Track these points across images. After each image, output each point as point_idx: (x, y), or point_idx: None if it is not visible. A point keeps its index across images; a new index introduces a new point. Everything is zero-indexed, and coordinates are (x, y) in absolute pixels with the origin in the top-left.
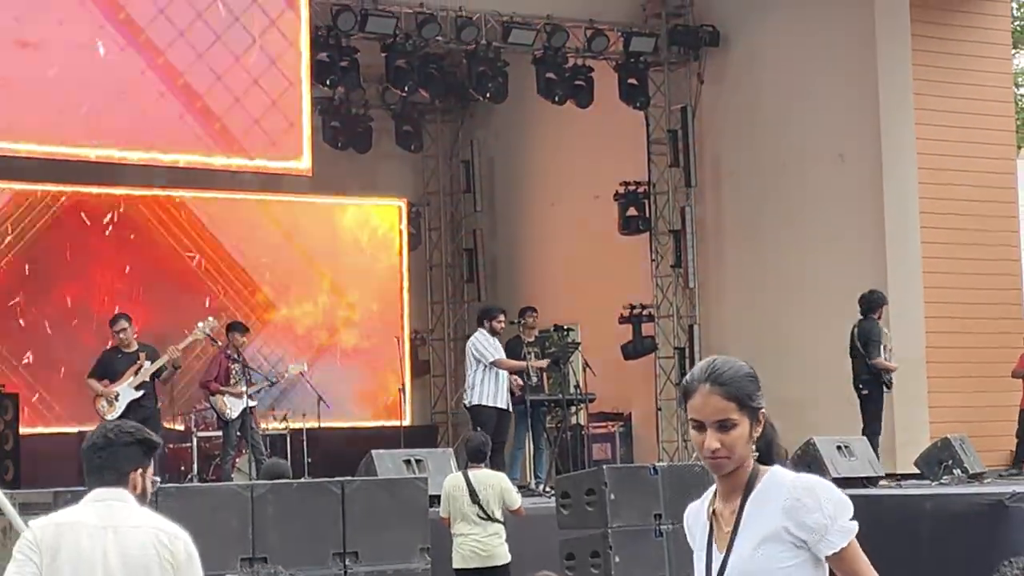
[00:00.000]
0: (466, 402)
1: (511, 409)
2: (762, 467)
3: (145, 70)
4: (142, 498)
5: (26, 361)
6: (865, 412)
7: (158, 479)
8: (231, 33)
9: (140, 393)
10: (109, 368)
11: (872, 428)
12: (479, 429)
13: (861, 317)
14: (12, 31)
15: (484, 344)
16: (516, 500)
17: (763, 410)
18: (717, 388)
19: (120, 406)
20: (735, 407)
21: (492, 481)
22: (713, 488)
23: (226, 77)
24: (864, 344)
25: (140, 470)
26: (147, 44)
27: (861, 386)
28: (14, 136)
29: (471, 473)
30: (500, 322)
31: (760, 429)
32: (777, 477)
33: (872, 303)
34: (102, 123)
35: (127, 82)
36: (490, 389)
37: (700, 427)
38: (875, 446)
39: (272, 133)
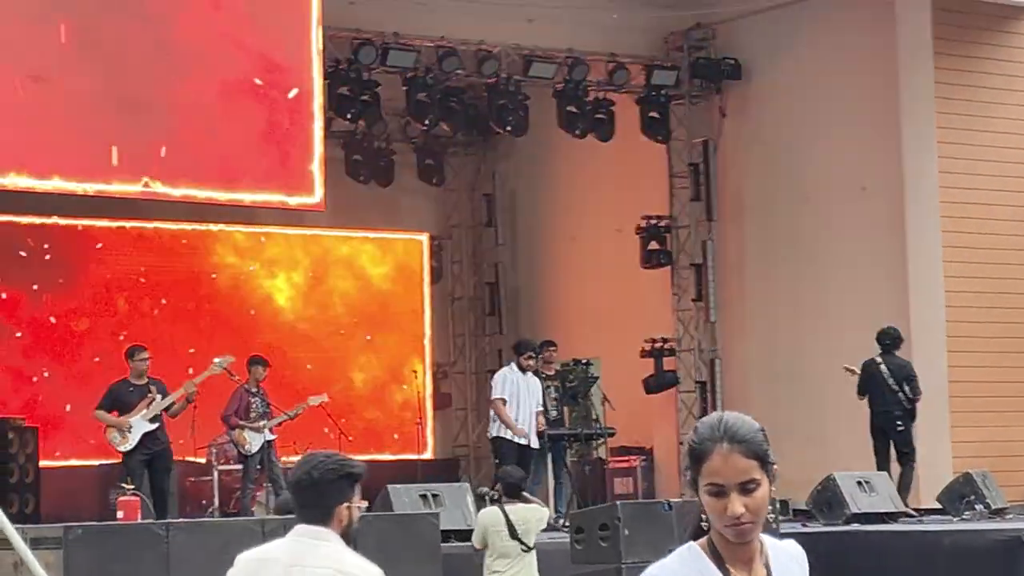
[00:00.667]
0: (489, 433)
1: (533, 445)
2: None
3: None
4: (348, 529)
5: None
6: (904, 445)
7: (365, 503)
8: (244, 66)
9: (155, 426)
10: (119, 400)
11: (912, 459)
12: (498, 461)
13: (885, 353)
14: (23, 65)
15: (501, 379)
16: (545, 518)
17: (776, 466)
18: (737, 446)
19: (134, 438)
20: (757, 466)
21: (530, 515)
22: (690, 554)
23: (239, 111)
24: (907, 379)
25: (346, 503)
26: (157, 77)
27: (899, 422)
28: (37, 171)
29: (508, 508)
30: (529, 359)
31: (775, 488)
32: (772, 542)
33: (899, 339)
34: (121, 157)
35: (143, 113)
36: (496, 422)
37: (720, 492)
38: (911, 478)
39: (285, 168)
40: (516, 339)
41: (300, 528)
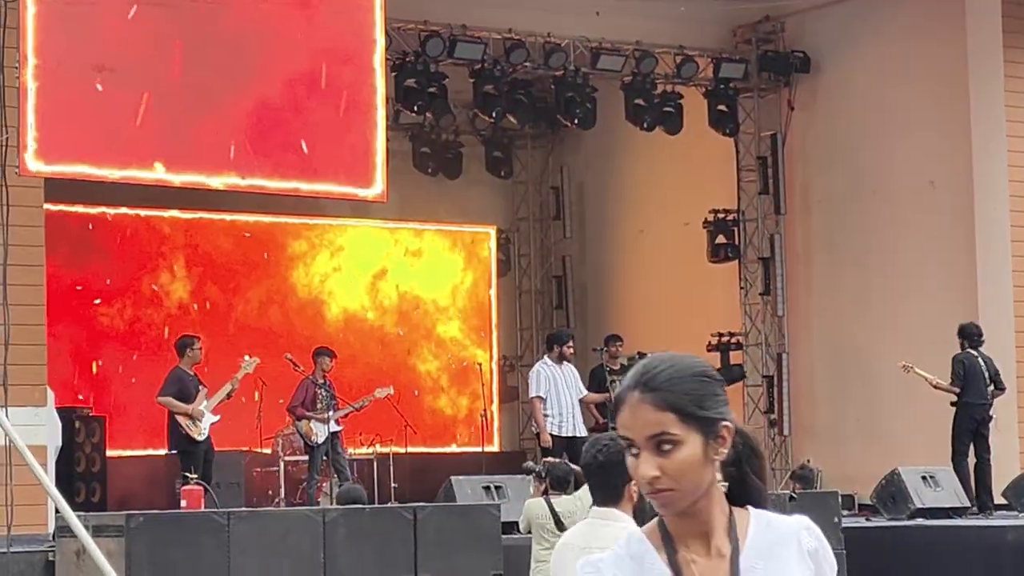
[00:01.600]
0: (533, 430)
1: (580, 434)
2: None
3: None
4: (640, 505)
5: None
6: (986, 440)
7: None
8: (309, 58)
9: (217, 417)
10: (184, 388)
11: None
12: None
13: (974, 347)
14: (90, 55)
15: (535, 377)
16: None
17: (727, 424)
18: (649, 395)
19: (204, 427)
20: (675, 419)
21: (574, 507)
22: (630, 541)
23: (303, 103)
24: (996, 373)
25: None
26: (226, 70)
27: (992, 416)
28: (94, 160)
29: (554, 500)
30: (568, 347)
31: (724, 449)
32: (766, 517)
33: (982, 334)
34: (185, 148)
35: (206, 106)
36: (555, 418)
37: (633, 449)
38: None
39: (348, 159)
40: (585, 332)
41: (594, 511)
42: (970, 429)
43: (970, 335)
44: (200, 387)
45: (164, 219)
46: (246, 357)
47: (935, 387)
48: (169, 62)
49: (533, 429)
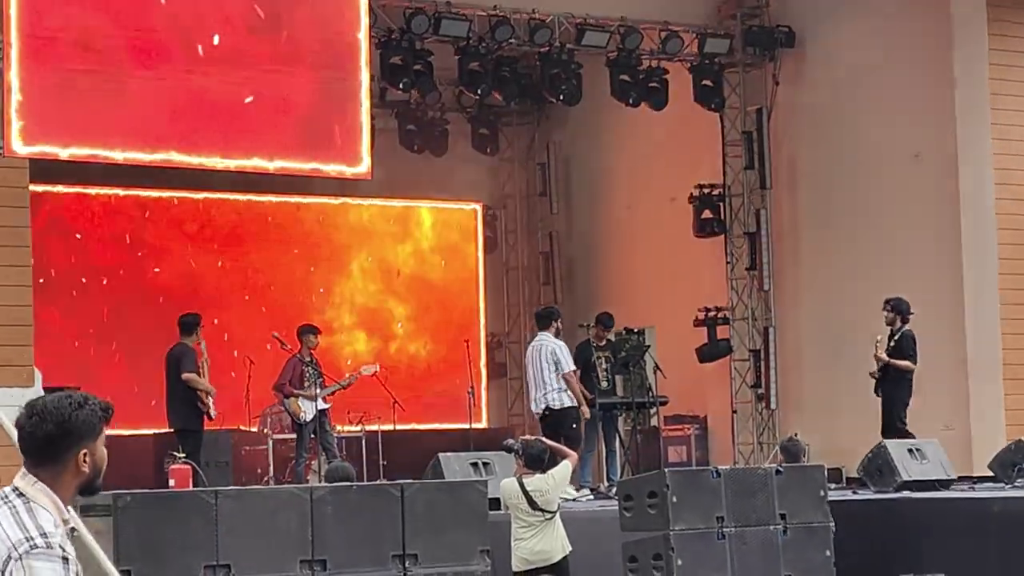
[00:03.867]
0: (553, 405)
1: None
2: None
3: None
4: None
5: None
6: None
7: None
8: (291, 37)
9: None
10: (196, 366)
11: None
12: (575, 427)
13: (905, 323)
14: (74, 34)
15: (564, 350)
16: (568, 475)
17: None
18: None
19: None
20: None
21: (546, 483)
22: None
23: (288, 81)
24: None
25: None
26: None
27: None
28: (102, 142)
29: (526, 480)
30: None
31: None
32: None
33: None
34: (170, 127)
35: (199, 89)
36: (567, 392)
37: None
38: None
39: (332, 137)
40: (573, 308)
41: None
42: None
43: (906, 311)
44: (202, 363)
45: (151, 198)
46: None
47: (894, 365)
48: (153, 41)
49: (558, 404)
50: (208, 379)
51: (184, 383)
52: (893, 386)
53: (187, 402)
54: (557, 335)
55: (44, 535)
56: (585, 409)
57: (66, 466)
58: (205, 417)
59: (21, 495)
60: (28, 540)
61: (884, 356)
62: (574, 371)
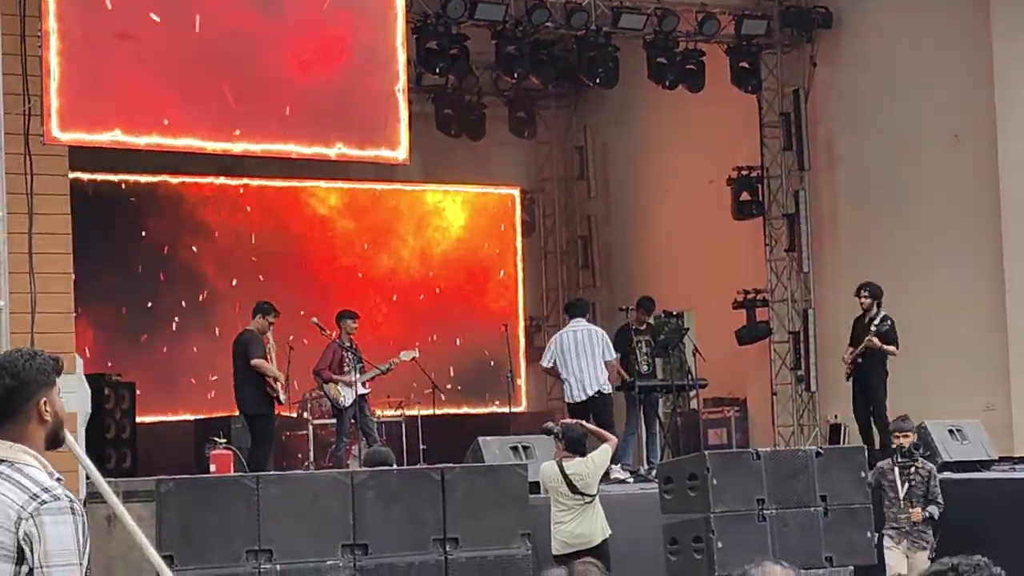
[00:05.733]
0: (604, 389)
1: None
2: None
3: (245, 61)
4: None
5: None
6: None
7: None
8: (328, 22)
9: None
10: (263, 352)
11: None
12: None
13: (880, 307)
14: (113, 22)
15: (613, 338)
16: (608, 459)
17: None
18: None
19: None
20: None
21: (587, 467)
22: None
23: (323, 67)
24: None
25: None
26: (247, 38)
27: None
28: (122, 128)
29: (566, 464)
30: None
31: None
32: None
33: None
34: (208, 115)
35: (229, 74)
36: (567, 383)
37: None
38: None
39: (370, 122)
40: (611, 292)
41: None
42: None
43: (881, 295)
44: (268, 349)
45: (191, 185)
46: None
47: (886, 351)
48: (191, 29)
49: (608, 388)
50: (276, 365)
51: (253, 369)
52: (877, 371)
53: (257, 388)
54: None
55: (46, 490)
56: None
57: (29, 417)
58: (276, 402)
59: (3, 461)
60: (35, 498)
61: (877, 342)
62: (619, 357)
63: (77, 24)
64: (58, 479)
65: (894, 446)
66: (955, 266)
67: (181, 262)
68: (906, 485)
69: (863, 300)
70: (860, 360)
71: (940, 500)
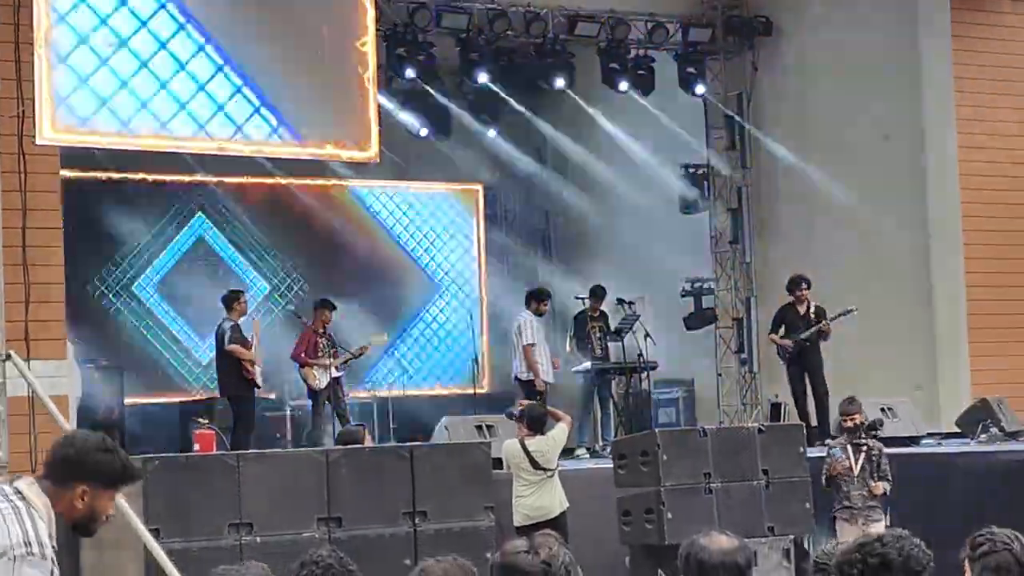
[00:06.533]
0: (520, 375)
1: (552, 381)
2: None
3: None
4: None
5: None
6: None
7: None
8: (300, 25)
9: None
10: (241, 338)
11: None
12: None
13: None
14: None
15: (529, 326)
16: (565, 437)
17: None
18: None
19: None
20: None
21: (546, 445)
22: None
23: (295, 68)
24: None
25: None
26: (222, 41)
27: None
28: (108, 129)
29: (528, 441)
30: (545, 304)
31: None
32: None
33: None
34: (190, 115)
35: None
36: (544, 365)
37: None
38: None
39: (341, 122)
40: (569, 281)
41: None
42: None
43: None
44: (248, 337)
45: (174, 183)
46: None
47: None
48: (174, 33)
49: (522, 375)
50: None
51: (228, 354)
52: (818, 354)
53: (234, 372)
54: (539, 313)
55: (41, 545)
56: (539, 382)
57: (63, 493)
58: (254, 385)
59: (23, 498)
60: (27, 545)
61: (830, 327)
62: (531, 345)
63: (65, 32)
64: (53, 547)
65: (846, 427)
66: (885, 258)
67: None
68: (860, 462)
69: (805, 292)
70: (806, 345)
71: (889, 477)
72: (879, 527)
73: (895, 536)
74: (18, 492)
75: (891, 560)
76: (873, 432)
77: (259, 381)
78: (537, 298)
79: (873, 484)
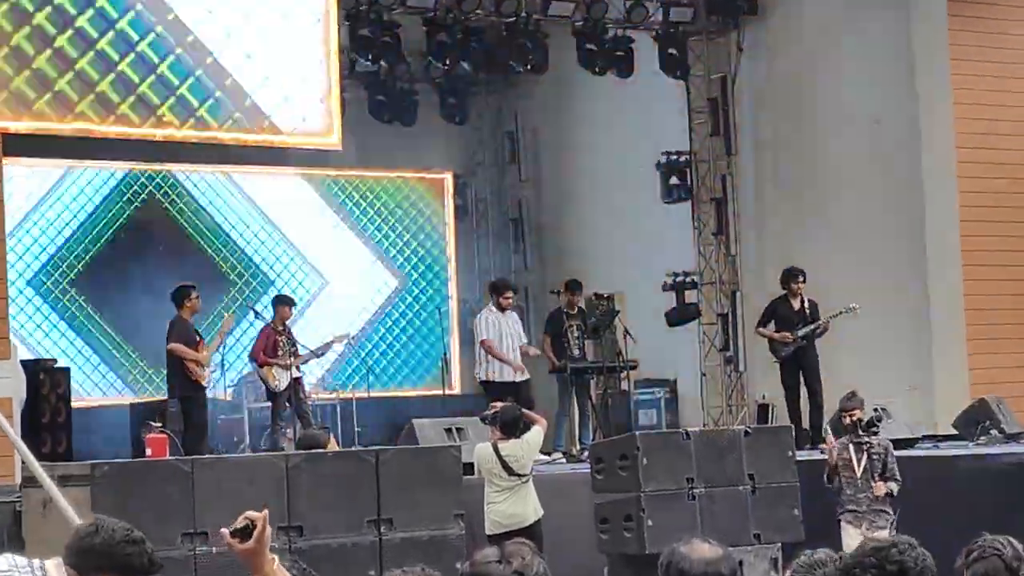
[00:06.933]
0: (478, 376)
1: (520, 379)
2: None
3: (175, 49)
4: None
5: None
6: None
7: None
8: (259, 10)
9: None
10: (188, 337)
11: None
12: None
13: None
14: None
15: (484, 322)
16: (540, 441)
17: None
18: None
19: (209, 374)
20: None
21: (520, 451)
22: None
23: (255, 54)
24: None
25: None
26: (176, 23)
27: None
28: (48, 115)
29: (501, 445)
30: (507, 298)
31: None
32: None
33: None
34: (137, 100)
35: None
36: (495, 364)
37: None
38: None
39: (303, 109)
40: (544, 274)
41: None
42: None
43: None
44: (199, 336)
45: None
46: (224, 315)
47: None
48: (115, 18)
49: (480, 376)
50: (213, 348)
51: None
52: (815, 351)
53: (178, 372)
54: (500, 308)
55: None
56: (515, 363)
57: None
58: (201, 385)
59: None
60: None
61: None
62: (485, 339)
63: (7, 18)
64: None
65: (847, 423)
66: (878, 248)
67: (117, 248)
68: (863, 462)
69: (801, 285)
70: (804, 341)
71: (898, 476)
72: (883, 533)
73: (909, 544)
74: (43, 570)
75: (908, 569)
76: (873, 429)
77: (204, 382)
78: (496, 291)
79: (875, 484)
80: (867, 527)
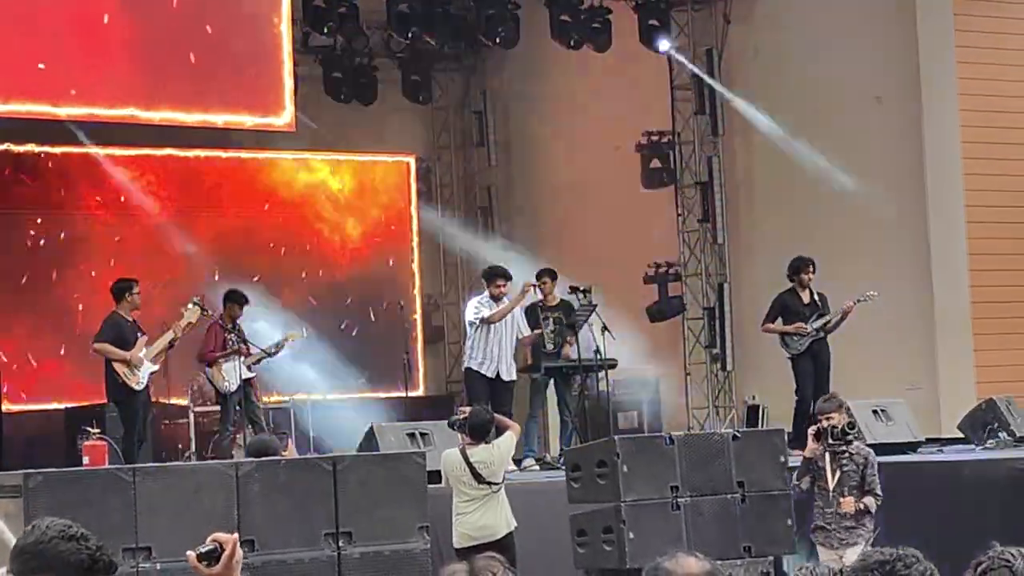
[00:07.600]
0: (463, 364)
1: (507, 378)
2: None
3: (124, 28)
4: None
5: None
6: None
7: None
8: None
9: (156, 367)
10: (121, 335)
11: None
12: (468, 395)
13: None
14: None
15: (476, 308)
16: (512, 447)
17: None
18: None
19: (143, 376)
20: None
21: (491, 457)
22: None
23: (205, 31)
24: None
25: None
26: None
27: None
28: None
29: (470, 451)
30: (499, 287)
31: None
32: None
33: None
34: (80, 81)
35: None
36: (480, 355)
37: None
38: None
39: (253, 87)
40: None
41: None
42: None
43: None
44: (139, 334)
45: (72, 156)
46: (189, 304)
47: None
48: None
49: (464, 362)
50: (150, 349)
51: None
52: (828, 346)
53: (109, 374)
54: (493, 298)
55: None
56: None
57: None
58: (130, 388)
59: None
60: None
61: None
62: (487, 317)
63: None
64: None
65: (821, 428)
66: (879, 237)
67: (49, 237)
68: (837, 473)
69: (811, 276)
70: (820, 333)
71: (878, 491)
72: (856, 550)
73: (915, 557)
74: None
75: None
76: (848, 437)
77: (135, 386)
78: (487, 279)
79: (843, 500)
80: (837, 545)
